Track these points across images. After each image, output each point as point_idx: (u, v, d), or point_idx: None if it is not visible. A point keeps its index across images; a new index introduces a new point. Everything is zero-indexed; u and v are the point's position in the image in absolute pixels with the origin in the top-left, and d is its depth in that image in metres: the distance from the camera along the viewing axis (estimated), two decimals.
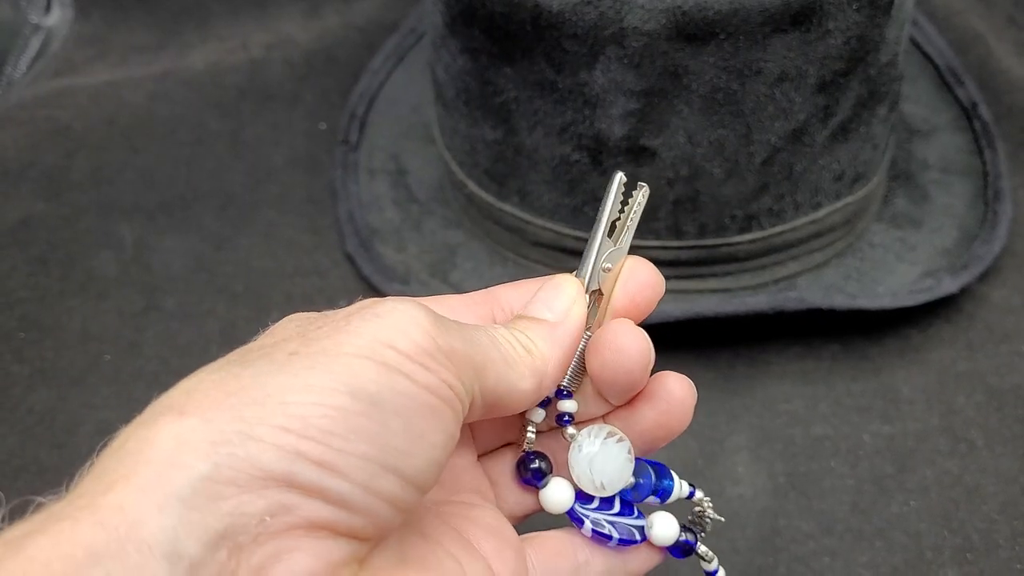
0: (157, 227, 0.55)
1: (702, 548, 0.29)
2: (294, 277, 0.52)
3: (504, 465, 0.30)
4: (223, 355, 0.23)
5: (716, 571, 0.30)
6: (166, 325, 0.50)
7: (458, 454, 0.29)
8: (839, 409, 0.45)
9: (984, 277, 0.49)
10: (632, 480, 0.29)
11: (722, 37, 0.39)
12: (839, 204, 0.47)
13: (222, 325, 0.50)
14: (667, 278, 0.46)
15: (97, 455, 0.21)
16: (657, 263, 0.46)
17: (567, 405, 0.28)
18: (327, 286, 0.52)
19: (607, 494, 0.28)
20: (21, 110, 0.62)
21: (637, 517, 0.29)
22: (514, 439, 0.30)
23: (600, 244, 0.29)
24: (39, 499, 0.20)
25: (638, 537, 0.28)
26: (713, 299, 0.47)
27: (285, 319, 0.25)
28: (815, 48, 0.41)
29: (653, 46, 0.40)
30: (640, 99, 0.41)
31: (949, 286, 0.47)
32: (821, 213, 0.47)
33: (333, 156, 0.58)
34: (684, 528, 0.29)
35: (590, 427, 0.28)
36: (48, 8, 0.71)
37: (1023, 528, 0.41)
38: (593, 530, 0.28)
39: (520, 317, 0.27)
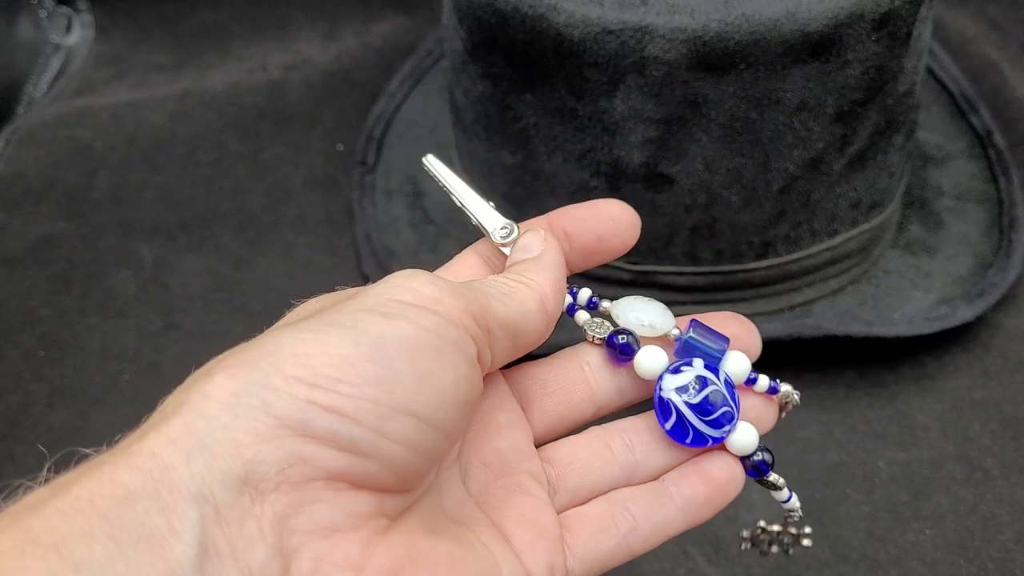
0: (176, 246, 0.55)
1: (773, 476, 0.29)
2: (312, 297, 0.53)
3: (567, 449, 0.30)
4: None
5: (790, 497, 0.30)
6: (185, 344, 0.50)
7: (506, 435, 0.29)
8: (854, 436, 0.45)
9: (999, 305, 0.49)
10: (676, 331, 0.29)
11: (742, 67, 0.40)
12: (855, 231, 0.47)
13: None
14: (683, 303, 0.48)
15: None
16: (673, 288, 0.47)
17: (583, 295, 0.31)
18: None
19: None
20: (42, 129, 0.63)
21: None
22: (575, 425, 0.30)
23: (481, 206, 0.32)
24: (83, 450, 0.22)
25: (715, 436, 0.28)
26: None
27: (308, 301, 0.27)
28: (834, 78, 0.41)
29: (673, 75, 0.40)
30: (659, 127, 0.41)
31: (965, 314, 0.47)
32: (837, 240, 0.47)
33: (350, 177, 0.58)
34: (762, 450, 0.29)
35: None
36: (69, 28, 0.72)
37: None
38: (676, 422, 0.28)
39: (505, 270, 0.29)
